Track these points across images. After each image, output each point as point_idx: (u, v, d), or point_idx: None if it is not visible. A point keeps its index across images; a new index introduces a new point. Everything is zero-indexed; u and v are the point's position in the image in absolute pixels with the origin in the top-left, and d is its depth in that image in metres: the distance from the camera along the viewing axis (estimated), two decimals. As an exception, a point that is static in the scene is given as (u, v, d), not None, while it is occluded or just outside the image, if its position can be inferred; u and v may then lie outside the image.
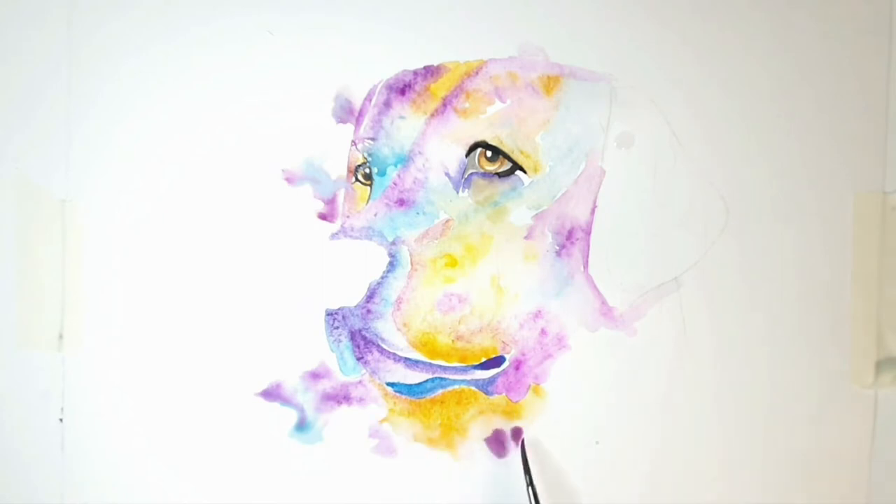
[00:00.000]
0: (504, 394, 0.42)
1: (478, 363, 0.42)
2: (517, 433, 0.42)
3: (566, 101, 0.40)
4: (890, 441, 0.39)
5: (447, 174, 0.41)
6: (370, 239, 0.42)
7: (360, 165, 0.42)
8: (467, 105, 0.41)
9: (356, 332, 0.42)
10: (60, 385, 0.44)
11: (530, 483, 0.39)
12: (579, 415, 0.41)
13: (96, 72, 0.43)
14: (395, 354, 0.42)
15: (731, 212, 0.40)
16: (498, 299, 0.41)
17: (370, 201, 0.42)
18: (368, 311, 0.42)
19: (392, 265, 0.42)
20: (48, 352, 0.44)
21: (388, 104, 0.41)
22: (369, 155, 0.42)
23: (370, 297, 0.42)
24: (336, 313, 0.42)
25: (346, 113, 0.42)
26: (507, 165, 0.41)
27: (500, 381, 0.42)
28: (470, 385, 0.42)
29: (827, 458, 0.40)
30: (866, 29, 0.39)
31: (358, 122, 0.42)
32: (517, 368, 0.41)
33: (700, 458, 0.40)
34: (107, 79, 0.43)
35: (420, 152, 0.41)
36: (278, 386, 0.43)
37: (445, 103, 0.41)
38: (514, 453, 0.42)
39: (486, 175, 0.41)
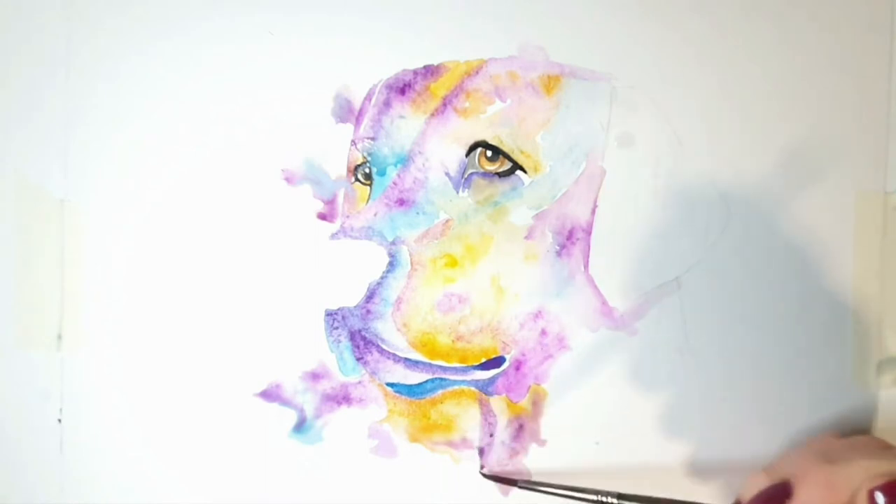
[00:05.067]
0: (504, 394, 0.42)
1: (478, 363, 0.42)
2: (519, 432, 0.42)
3: (566, 101, 0.40)
4: (891, 442, 0.39)
5: (447, 174, 0.41)
6: (370, 239, 0.42)
7: (359, 165, 0.42)
8: (467, 105, 0.41)
9: (356, 333, 0.42)
10: (59, 385, 0.44)
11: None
12: (579, 415, 0.41)
13: (95, 71, 0.43)
14: (394, 355, 0.42)
15: (731, 212, 0.40)
16: (498, 299, 0.41)
17: (370, 201, 0.42)
18: (368, 312, 0.42)
19: (392, 265, 0.42)
20: (47, 352, 0.44)
21: (388, 104, 0.41)
22: (369, 155, 0.42)
23: (370, 297, 0.42)
24: (335, 313, 0.42)
25: (346, 112, 0.42)
26: (508, 165, 0.41)
27: (500, 381, 0.42)
28: (470, 385, 0.42)
29: (827, 458, 0.40)
30: (867, 28, 0.39)
31: (358, 122, 0.42)
32: (517, 369, 0.41)
33: (701, 459, 0.40)
34: (106, 78, 0.43)
35: (420, 152, 0.41)
36: (278, 386, 0.43)
37: (445, 103, 0.41)
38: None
39: (486, 175, 0.41)
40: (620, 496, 0.36)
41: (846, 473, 0.31)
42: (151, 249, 0.43)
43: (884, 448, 0.34)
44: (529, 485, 0.39)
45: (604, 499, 0.36)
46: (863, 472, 0.30)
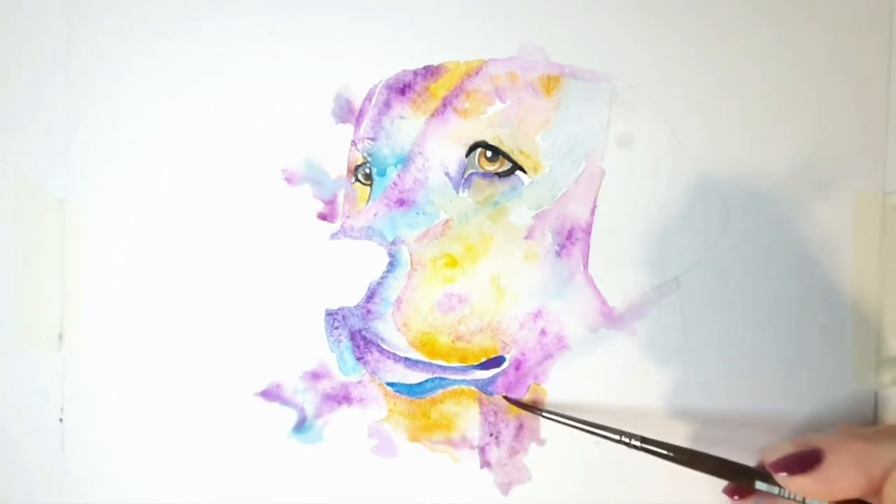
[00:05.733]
0: (504, 394, 0.42)
1: (478, 363, 0.42)
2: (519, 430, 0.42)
3: (566, 101, 0.40)
4: None
5: (447, 174, 0.41)
6: (370, 239, 0.42)
7: (360, 165, 0.42)
8: (467, 105, 0.41)
9: (356, 333, 0.42)
10: (60, 385, 0.44)
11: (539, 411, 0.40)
12: (579, 415, 0.41)
13: (95, 71, 0.43)
14: (395, 354, 0.42)
15: (731, 212, 0.40)
16: (498, 299, 0.41)
17: (370, 201, 0.42)
18: (368, 312, 0.42)
19: (392, 265, 0.42)
20: (48, 352, 0.44)
21: (388, 104, 0.41)
22: (369, 155, 0.42)
23: (370, 297, 0.42)
24: (336, 313, 0.42)
25: (346, 113, 0.42)
26: (507, 165, 0.41)
27: (500, 381, 0.42)
28: (470, 385, 0.42)
29: (827, 458, 0.40)
30: (866, 28, 0.39)
31: (358, 122, 0.42)
32: (517, 368, 0.41)
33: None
34: (106, 78, 0.43)
35: (420, 152, 0.41)
36: (278, 386, 0.43)
37: (445, 103, 0.41)
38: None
39: (486, 175, 0.41)
40: (644, 440, 0.36)
41: (880, 451, 0.30)
42: (152, 249, 0.43)
43: None
44: (553, 415, 0.39)
45: (627, 440, 0.36)
46: None
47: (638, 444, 0.36)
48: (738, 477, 0.35)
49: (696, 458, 0.35)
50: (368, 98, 0.41)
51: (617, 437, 0.37)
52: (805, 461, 0.32)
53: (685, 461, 0.35)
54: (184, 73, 0.43)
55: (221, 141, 0.43)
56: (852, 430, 0.35)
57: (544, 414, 0.39)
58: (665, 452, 0.36)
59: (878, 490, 0.30)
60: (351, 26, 0.42)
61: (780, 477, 0.33)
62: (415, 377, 0.42)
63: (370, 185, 0.42)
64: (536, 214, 0.41)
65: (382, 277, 0.42)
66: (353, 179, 0.42)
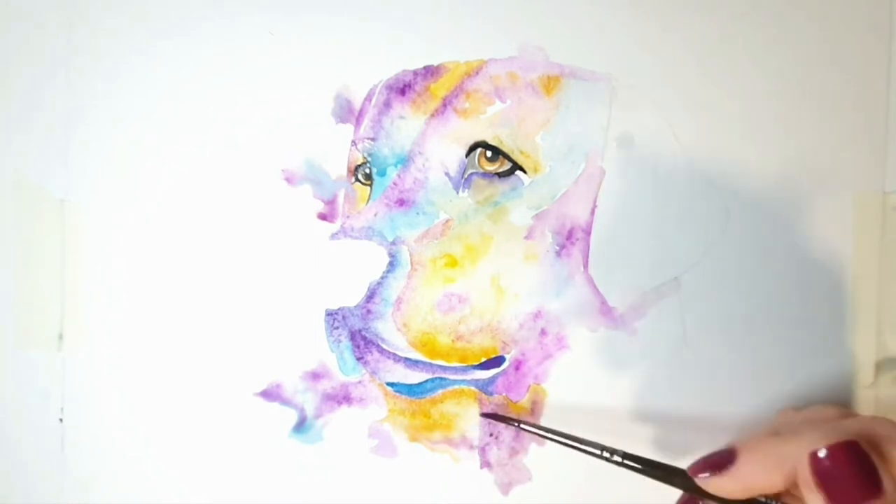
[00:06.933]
0: (504, 394, 0.42)
1: (478, 363, 0.42)
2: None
3: (566, 101, 0.40)
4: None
5: (447, 174, 0.41)
6: (370, 239, 0.42)
7: (360, 165, 0.42)
8: (467, 105, 0.41)
9: (356, 333, 0.42)
10: (60, 385, 0.44)
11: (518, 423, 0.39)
12: (579, 415, 0.41)
13: (95, 71, 0.43)
14: (395, 354, 0.42)
15: (731, 212, 0.40)
16: (498, 299, 0.41)
17: (370, 201, 0.42)
18: (368, 312, 0.42)
19: (392, 265, 0.42)
20: (48, 352, 0.44)
21: (388, 104, 0.41)
22: (369, 155, 0.42)
23: (370, 297, 0.42)
24: (336, 313, 0.42)
25: (346, 113, 0.42)
26: (507, 165, 0.41)
27: (500, 381, 0.42)
28: (470, 385, 0.42)
29: (827, 458, 0.40)
30: (866, 29, 0.39)
31: (358, 122, 0.42)
32: (517, 368, 0.41)
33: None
34: (106, 78, 0.43)
35: (420, 152, 0.41)
36: (278, 386, 0.43)
37: (445, 103, 0.41)
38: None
39: (486, 175, 0.41)
40: (626, 455, 0.35)
41: (790, 447, 0.30)
42: (152, 249, 0.43)
43: (839, 417, 0.33)
44: (531, 427, 0.38)
45: (608, 455, 0.35)
46: (806, 445, 0.29)
47: (620, 459, 0.35)
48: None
49: (671, 473, 0.35)
50: (368, 98, 0.41)
51: (598, 452, 0.36)
52: (719, 462, 0.31)
53: (660, 476, 0.35)
54: (184, 73, 0.43)
55: (221, 141, 0.43)
56: (777, 419, 0.35)
57: (522, 427, 0.39)
58: (640, 467, 0.35)
59: (796, 484, 0.29)
60: (351, 26, 0.42)
61: (700, 479, 0.32)
62: (415, 377, 0.42)
63: (370, 185, 0.42)
64: (536, 214, 0.41)
65: (382, 277, 0.42)
66: (353, 179, 0.42)
